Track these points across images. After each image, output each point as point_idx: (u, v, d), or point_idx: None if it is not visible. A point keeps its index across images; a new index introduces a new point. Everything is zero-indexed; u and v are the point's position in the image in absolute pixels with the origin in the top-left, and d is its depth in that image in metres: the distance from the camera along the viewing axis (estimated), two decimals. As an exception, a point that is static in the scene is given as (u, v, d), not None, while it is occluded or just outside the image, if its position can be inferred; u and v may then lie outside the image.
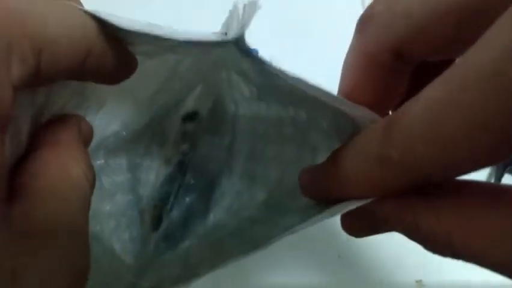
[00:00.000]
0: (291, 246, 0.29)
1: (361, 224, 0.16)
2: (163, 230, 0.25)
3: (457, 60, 0.11)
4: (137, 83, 0.17)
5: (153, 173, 0.26)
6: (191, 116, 0.26)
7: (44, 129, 0.15)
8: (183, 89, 0.24)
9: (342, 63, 0.17)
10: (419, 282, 0.28)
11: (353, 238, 0.29)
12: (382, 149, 0.13)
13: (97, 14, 0.13)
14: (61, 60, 0.13)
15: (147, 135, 0.25)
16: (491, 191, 0.13)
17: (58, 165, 0.14)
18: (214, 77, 0.24)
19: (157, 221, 0.25)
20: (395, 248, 0.29)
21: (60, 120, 0.16)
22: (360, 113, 0.15)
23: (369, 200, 0.14)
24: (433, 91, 0.11)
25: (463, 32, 0.12)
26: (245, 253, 0.16)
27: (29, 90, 0.14)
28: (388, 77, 0.16)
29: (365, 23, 0.15)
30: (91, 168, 0.15)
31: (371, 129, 0.14)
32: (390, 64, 0.15)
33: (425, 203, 0.13)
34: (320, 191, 0.17)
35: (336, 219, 0.29)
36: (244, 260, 0.27)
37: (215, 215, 0.25)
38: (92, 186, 0.15)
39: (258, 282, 0.28)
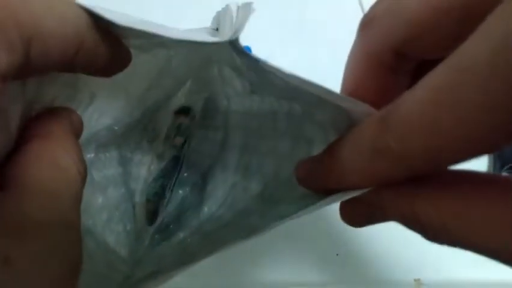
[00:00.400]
0: (289, 245, 0.29)
1: (359, 214, 0.16)
2: (158, 223, 0.25)
3: (455, 52, 0.11)
4: (129, 77, 0.17)
5: (144, 168, 0.26)
6: (184, 110, 0.25)
7: (35, 121, 0.15)
8: (174, 84, 0.24)
9: (345, 63, 0.17)
10: (417, 281, 0.28)
11: (351, 237, 0.30)
12: (379, 138, 0.13)
13: (91, 8, 0.13)
14: (52, 51, 0.12)
15: (138, 130, 0.25)
16: (489, 181, 0.13)
17: (49, 158, 0.14)
18: (206, 73, 0.24)
19: (152, 215, 0.25)
20: (393, 247, 0.29)
21: (51, 112, 0.16)
22: (357, 106, 0.15)
23: (366, 190, 0.14)
24: (432, 81, 0.11)
25: (465, 29, 0.12)
26: (241, 240, 0.16)
27: (19, 81, 0.14)
28: (391, 76, 0.16)
29: (367, 23, 0.16)
30: (82, 160, 0.15)
31: (368, 120, 0.14)
32: (393, 63, 0.15)
33: (423, 192, 0.13)
34: (317, 182, 0.17)
35: (335, 218, 0.29)
36: (242, 258, 0.27)
37: (209, 208, 0.25)
38: (84, 178, 0.15)
39: (256, 280, 0.28)
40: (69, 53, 0.13)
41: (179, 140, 0.26)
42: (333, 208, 0.31)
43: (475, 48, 0.10)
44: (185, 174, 0.26)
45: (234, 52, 0.16)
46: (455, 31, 0.13)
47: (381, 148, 0.13)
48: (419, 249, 0.29)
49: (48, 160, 0.14)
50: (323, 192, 0.17)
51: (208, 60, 0.23)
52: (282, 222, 0.16)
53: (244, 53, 0.14)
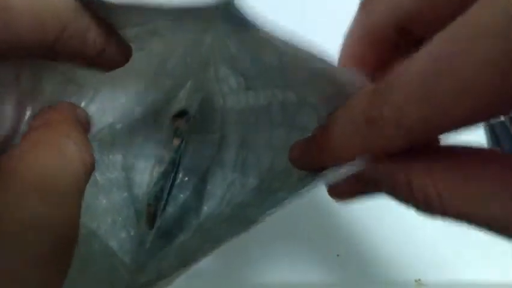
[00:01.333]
0: (290, 245, 0.29)
1: (348, 186, 0.16)
2: (158, 228, 0.25)
3: (455, 21, 0.11)
4: (127, 76, 0.17)
5: (147, 173, 0.26)
6: (180, 114, 0.25)
7: (36, 117, 0.15)
8: (173, 86, 0.24)
9: (343, 39, 0.17)
10: (418, 281, 0.28)
11: (352, 237, 0.29)
12: (373, 108, 0.13)
13: None
14: (24, 33, 0.12)
15: (141, 133, 0.25)
16: (484, 154, 0.13)
17: (48, 143, 0.13)
18: (203, 74, 0.24)
19: (152, 219, 0.25)
20: (394, 247, 0.29)
21: (53, 106, 0.15)
22: (352, 78, 0.15)
23: (361, 165, 0.14)
24: (432, 50, 0.11)
25: (468, 3, 0.12)
26: (240, 233, 0.16)
27: (11, 68, 0.13)
28: (393, 53, 0.16)
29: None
30: (89, 152, 0.14)
31: (361, 92, 0.14)
32: (396, 40, 0.15)
33: (419, 164, 0.13)
34: (312, 161, 0.17)
35: (336, 219, 0.29)
36: (242, 258, 0.27)
37: (209, 207, 0.25)
38: (89, 172, 0.14)
39: (256, 281, 0.28)
40: (47, 37, 0.12)
41: (176, 142, 0.26)
42: (334, 208, 0.31)
43: (476, 17, 0.10)
44: (186, 179, 0.26)
45: (227, 19, 0.15)
46: (459, 4, 0.13)
47: (375, 118, 0.12)
48: (420, 249, 0.29)
49: (47, 145, 0.13)
50: (317, 170, 0.17)
51: (206, 62, 0.23)
52: (279, 206, 0.15)
53: (239, 18, 0.14)
